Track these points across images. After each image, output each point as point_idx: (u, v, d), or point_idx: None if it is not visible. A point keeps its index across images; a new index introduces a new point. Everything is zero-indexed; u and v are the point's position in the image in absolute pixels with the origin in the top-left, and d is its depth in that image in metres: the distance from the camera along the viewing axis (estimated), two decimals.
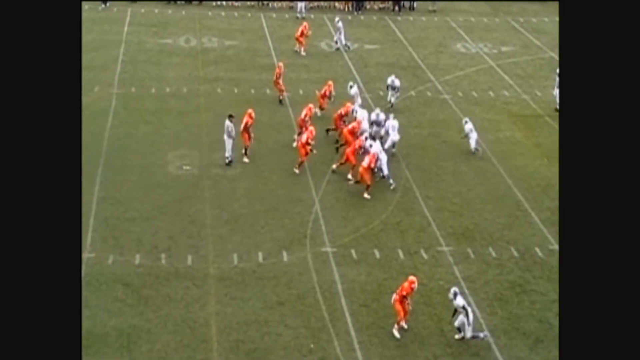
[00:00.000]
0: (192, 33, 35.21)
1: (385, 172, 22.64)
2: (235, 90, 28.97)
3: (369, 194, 22.10)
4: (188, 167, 23.36)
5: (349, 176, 22.86)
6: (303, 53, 33.06)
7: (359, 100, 26.54)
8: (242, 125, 23.63)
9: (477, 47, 35.36)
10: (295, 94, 29.01)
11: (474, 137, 24.95)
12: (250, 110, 24.02)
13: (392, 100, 27.53)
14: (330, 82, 27.08)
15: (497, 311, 17.73)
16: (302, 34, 33.16)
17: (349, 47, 34.03)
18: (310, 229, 20.56)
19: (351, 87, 26.96)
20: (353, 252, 19.65)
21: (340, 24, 34.26)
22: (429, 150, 25.14)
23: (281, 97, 27.87)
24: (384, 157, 22.77)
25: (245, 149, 23.78)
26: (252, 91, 29.08)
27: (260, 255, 19.34)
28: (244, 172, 23.29)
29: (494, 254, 19.91)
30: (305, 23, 34.12)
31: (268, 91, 29.12)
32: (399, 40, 35.77)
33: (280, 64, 28.13)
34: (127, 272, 18.40)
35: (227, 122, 23.52)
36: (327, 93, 26.75)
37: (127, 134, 25.30)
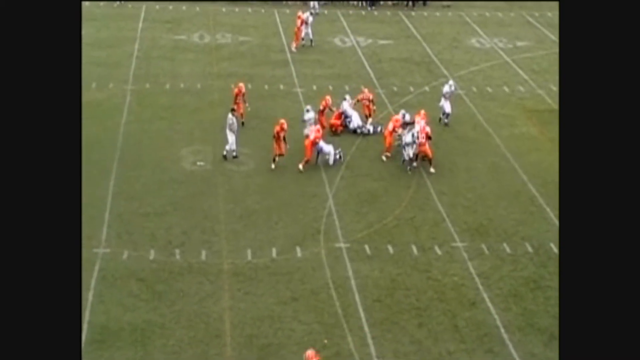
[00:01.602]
0: (205, 29, 35.26)
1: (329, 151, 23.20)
2: (249, 86, 28.90)
3: (433, 167, 23.11)
4: (202, 163, 23.40)
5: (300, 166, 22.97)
6: (294, 49, 32.53)
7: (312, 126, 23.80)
8: (274, 134, 22.79)
9: (492, 42, 35.16)
10: (309, 89, 28.98)
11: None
12: (282, 121, 23.00)
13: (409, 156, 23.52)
14: (328, 97, 25.60)
15: (512, 307, 17.64)
16: (302, 23, 32.60)
17: (311, 42, 33.09)
18: (323, 224, 20.54)
19: (307, 111, 24.50)
20: (366, 247, 19.61)
21: (310, 19, 33.17)
22: (443, 145, 25.02)
23: (242, 120, 25.15)
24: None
25: (274, 157, 22.89)
26: (266, 87, 29.07)
27: (273, 250, 19.34)
28: (257, 167, 23.30)
29: (508, 249, 19.81)
30: (299, 14, 33.24)
31: (282, 87, 29.12)
32: (412, 36, 35.64)
33: (241, 84, 25.87)
34: (142, 267, 18.47)
35: (229, 115, 23.57)
36: (326, 106, 25.20)
37: (141, 129, 25.39)
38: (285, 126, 22.95)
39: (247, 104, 25.62)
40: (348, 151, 24.27)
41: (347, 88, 28.82)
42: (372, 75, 30.67)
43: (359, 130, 25.44)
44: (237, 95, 25.45)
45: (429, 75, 30.81)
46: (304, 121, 24.42)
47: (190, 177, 22.64)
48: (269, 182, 22.55)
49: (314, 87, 29.17)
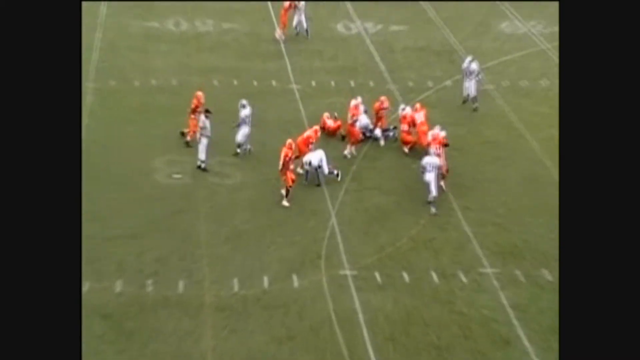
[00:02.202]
0: (182, 14, 35.53)
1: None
2: (235, 82, 29.23)
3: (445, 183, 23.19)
4: (179, 176, 23.59)
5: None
6: (282, 37, 32.54)
7: (246, 128, 24.43)
8: (281, 161, 22.24)
9: (527, 27, 35.42)
10: (307, 86, 29.22)
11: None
12: (289, 141, 22.58)
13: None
14: (357, 102, 25.38)
15: (553, 345, 17.73)
16: (290, 6, 32.57)
17: (307, 33, 33.04)
18: (325, 247, 20.70)
19: (243, 106, 24.56)
20: (377, 275, 19.76)
21: (302, 3, 33.09)
22: (468, 151, 25.24)
23: (189, 138, 24.78)
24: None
25: (287, 190, 22.36)
26: (255, 83, 29.33)
27: (265, 279, 19.50)
28: (245, 180, 23.49)
29: (548, 276, 19.94)
30: None
31: (274, 83, 29.38)
32: (431, 20, 35.93)
33: (200, 92, 25.31)
34: (106, 302, 18.61)
35: (202, 117, 23.73)
36: (355, 116, 25.15)
37: (105, 136, 25.58)
38: (293, 146, 22.49)
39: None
40: (354, 160, 24.48)
41: (352, 84, 29.11)
42: (382, 68, 30.91)
43: (360, 135, 25.52)
44: (196, 107, 24.76)
45: (450, 68, 31.03)
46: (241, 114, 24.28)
47: (165, 192, 22.83)
48: (260, 197, 22.72)
49: (313, 83, 29.41)
